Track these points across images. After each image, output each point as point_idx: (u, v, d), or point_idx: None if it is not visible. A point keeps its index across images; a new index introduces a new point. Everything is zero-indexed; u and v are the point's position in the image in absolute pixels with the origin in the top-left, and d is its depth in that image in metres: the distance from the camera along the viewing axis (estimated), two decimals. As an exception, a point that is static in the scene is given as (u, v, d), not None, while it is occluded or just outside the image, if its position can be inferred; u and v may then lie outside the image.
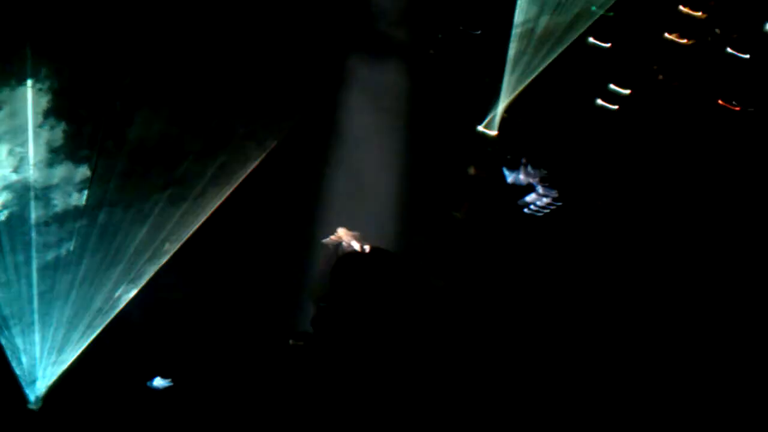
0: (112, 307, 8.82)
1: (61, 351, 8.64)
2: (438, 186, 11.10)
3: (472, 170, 11.17)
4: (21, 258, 8.75)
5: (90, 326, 8.70)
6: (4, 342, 8.50)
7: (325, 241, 9.84)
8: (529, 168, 10.05)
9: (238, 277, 9.73)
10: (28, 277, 8.70)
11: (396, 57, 11.43)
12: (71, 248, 8.81)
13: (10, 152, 8.82)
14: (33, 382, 8.52)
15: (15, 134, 8.87)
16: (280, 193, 10.29)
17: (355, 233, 9.88)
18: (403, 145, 11.34)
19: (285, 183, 10.36)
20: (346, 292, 8.42)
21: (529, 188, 9.87)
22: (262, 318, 9.43)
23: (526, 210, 9.53)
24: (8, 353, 8.49)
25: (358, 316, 7.70)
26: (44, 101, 8.98)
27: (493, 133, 11.08)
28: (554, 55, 10.50)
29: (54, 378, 8.58)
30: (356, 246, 9.62)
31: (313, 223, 10.26)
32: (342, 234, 9.86)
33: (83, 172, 8.99)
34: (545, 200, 9.53)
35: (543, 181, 9.87)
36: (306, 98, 10.39)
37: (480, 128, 11.28)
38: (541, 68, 10.58)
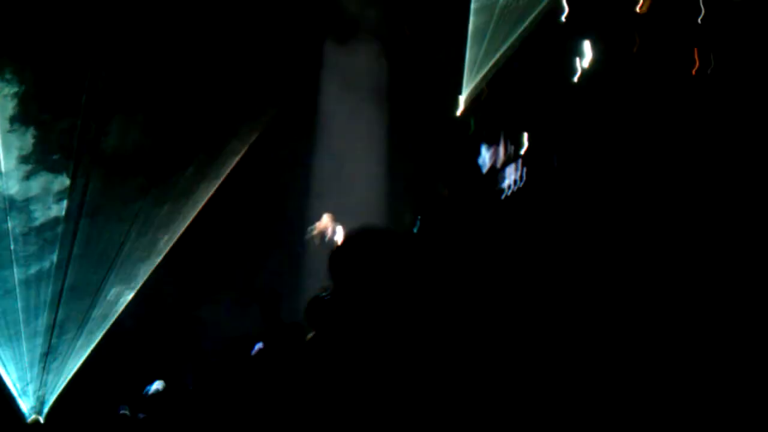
0: (107, 314, 8.70)
1: (53, 360, 8.53)
2: (422, 164, 11.07)
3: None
4: (1, 270, 8.56)
5: (84, 334, 8.59)
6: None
7: (311, 235, 9.74)
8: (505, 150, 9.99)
9: (232, 273, 9.66)
10: (10, 289, 8.51)
11: (370, 39, 11.30)
12: (54, 258, 8.61)
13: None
14: (25, 393, 8.42)
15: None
16: (266, 186, 10.19)
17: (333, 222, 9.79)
18: (384, 127, 11.30)
19: (270, 175, 10.26)
20: (350, 280, 8.36)
21: (504, 171, 9.86)
22: (258, 313, 9.36)
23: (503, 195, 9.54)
24: (-1, 367, 8.38)
25: (368, 304, 7.67)
26: (9, 106, 8.66)
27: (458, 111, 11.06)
28: (520, 29, 10.46)
29: (47, 388, 8.48)
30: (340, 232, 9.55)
31: (303, 213, 10.17)
32: (327, 222, 9.76)
33: (59, 179, 8.75)
34: (516, 178, 9.53)
35: (514, 160, 9.87)
36: (283, 88, 10.22)
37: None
38: (507, 44, 10.55)
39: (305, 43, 10.58)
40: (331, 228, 9.59)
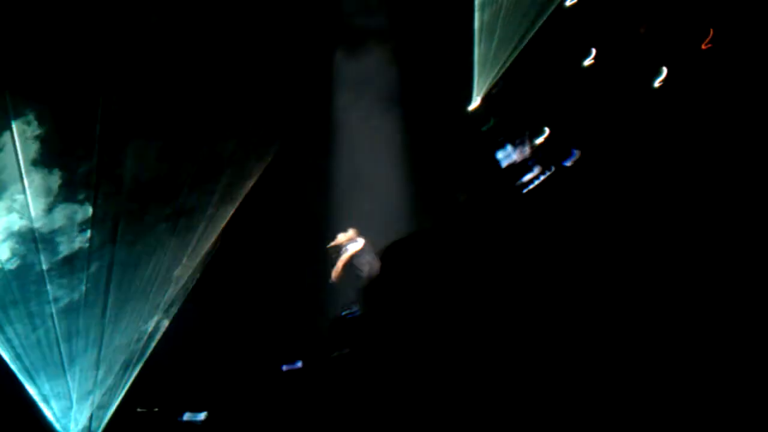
0: (145, 342, 8.82)
1: (96, 392, 8.66)
2: (440, 169, 11.03)
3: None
4: (35, 306, 8.69)
5: (124, 364, 8.72)
6: (35, 391, 8.50)
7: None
8: (525, 145, 9.83)
9: (261, 289, 9.71)
10: (47, 323, 8.66)
11: (379, 46, 11.31)
12: (85, 290, 8.74)
13: (8, 204, 8.70)
14: (67, 428, 8.55)
15: (8, 185, 8.74)
16: (287, 201, 10.23)
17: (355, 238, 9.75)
18: (399, 131, 11.30)
19: (290, 190, 10.30)
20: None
21: (524, 167, 9.71)
22: (289, 326, 9.43)
23: (524, 190, 9.40)
24: (40, 402, 8.50)
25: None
26: (32, 149, 8.83)
27: (472, 107, 11.01)
28: (528, 23, 10.38)
29: (91, 419, 8.61)
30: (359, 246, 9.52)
31: (326, 226, 10.18)
32: (350, 235, 9.72)
33: (84, 213, 8.88)
34: (538, 174, 9.34)
35: (534, 155, 9.70)
36: (297, 103, 10.25)
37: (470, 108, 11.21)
38: (516, 39, 10.47)
39: (315, 57, 10.61)
40: (351, 242, 9.57)
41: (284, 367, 8.64)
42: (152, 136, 8.96)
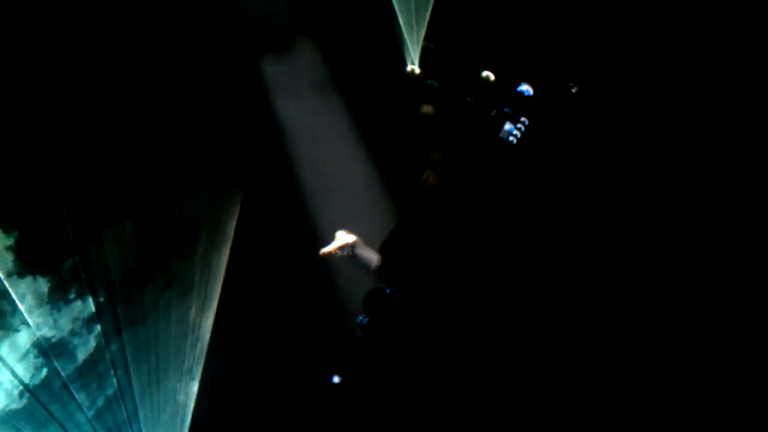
0: (185, 413, 8.85)
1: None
2: (406, 141, 11.05)
3: (425, 108, 11.10)
4: (67, 413, 8.64)
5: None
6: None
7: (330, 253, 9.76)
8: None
9: (278, 317, 9.78)
10: (82, 426, 8.64)
11: (305, 45, 11.17)
12: (116, 384, 8.71)
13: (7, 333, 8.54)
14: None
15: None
16: (272, 226, 10.20)
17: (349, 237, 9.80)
18: (351, 122, 11.25)
19: (271, 214, 10.26)
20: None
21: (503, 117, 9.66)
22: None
23: (511, 139, 9.33)
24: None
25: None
26: (8, 261, 8.62)
27: (418, 71, 11.00)
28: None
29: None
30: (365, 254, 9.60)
31: (314, 238, 10.19)
32: (342, 239, 9.79)
33: (85, 309, 8.76)
34: (519, 125, 9.31)
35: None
36: (243, 127, 10.13)
37: (408, 68, 11.19)
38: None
39: (244, 75, 10.45)
40: (347, 241, 9.63)
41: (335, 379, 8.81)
42: (120, 216, 8.81)
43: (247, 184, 10.00)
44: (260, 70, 10.91)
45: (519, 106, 9.31)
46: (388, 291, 8.76)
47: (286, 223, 10.40)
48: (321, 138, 10.90)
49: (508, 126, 9.17)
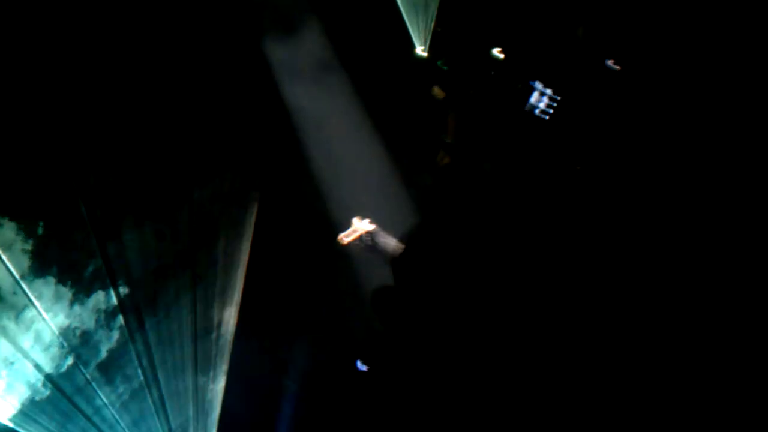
0: (213, 408, 8.95)
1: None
2: (418, 123, 11.03)
3: (436, 91, 11.07)
4: (92, 407, 8.73)
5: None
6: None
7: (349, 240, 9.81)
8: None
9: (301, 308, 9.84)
10: (108, 418, 8.73)
11: (311, 27, 11.03)
12: (141, 377, 8.78)
13: (29, 329, 8.56)
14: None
15: (21, 311, 8.58)
16: (288, 220, 10.20)
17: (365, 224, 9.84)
18: (360, 104, 11.18)
19: (287, 204, 10.25)
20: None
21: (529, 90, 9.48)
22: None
23: (536, 112, 9.13)
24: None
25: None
26: (31, 257, 8.61)
27: (425, 54, 10.93)
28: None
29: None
30: (384, 241, 9.65)
31: (330, 224, 10.20)
32: (359, 226, 9.83)
33: (108, 303, 8.79)
34: (546, 100, 9.15)
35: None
36: (255, 117, 10.05)
37: (418, 52, 11.11)
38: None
39: (255, 66, 10.34)
40: (366, 230, 9.68)
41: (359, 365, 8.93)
42: (140, 212, 8.78)
43: (263, 174, 9.97)
44: (266, 55, 10.79)
45: (545, 81, 9.25)
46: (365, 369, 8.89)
47: (302, 212, 10.40)
48: (331, 123, 10.85)
49: (534, 98, 9.07)
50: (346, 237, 9.68)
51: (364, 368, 8.72)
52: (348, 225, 9.90)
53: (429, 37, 10.83)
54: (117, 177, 8.57)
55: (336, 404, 8.95)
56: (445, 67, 10.76)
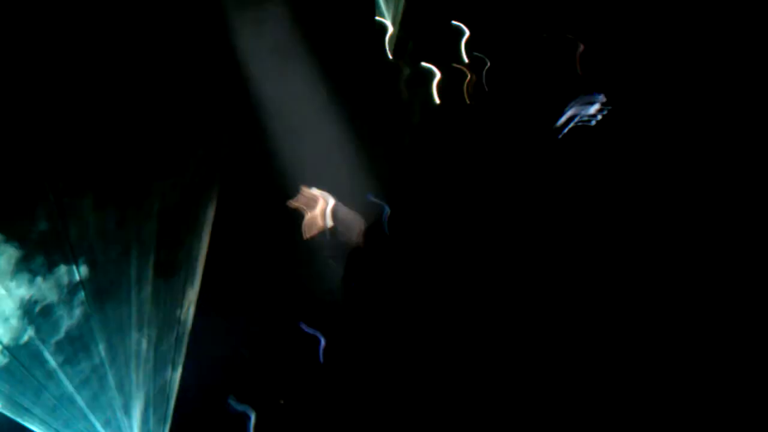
0: (172, 384, 8.98)
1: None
2: (379, 109, 11.08)
3: (403, 69, 11.10)
4: (53, 382, 8.70)
5: (158, 416, 8.92)
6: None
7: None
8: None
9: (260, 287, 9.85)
10: (68, 398, 8.72)
11: (272, 6, 10.98)
12: (102, 355, 8.78)
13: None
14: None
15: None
16: (250, 201, 10.19)
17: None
18: (322, 84, 11.17)
19: (249, 188, 10.24)
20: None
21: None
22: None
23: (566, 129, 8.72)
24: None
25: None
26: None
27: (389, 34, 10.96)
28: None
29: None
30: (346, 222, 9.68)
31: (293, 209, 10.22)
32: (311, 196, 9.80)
33: (69, 282, 8.76)
34: (592, 108, 8.58)
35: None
36: (220, 100, 10.02)
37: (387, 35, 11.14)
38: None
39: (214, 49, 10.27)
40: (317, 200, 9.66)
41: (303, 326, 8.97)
42: (102, 196, 8.76)
43: (226, 156, 9.96)
44: (229, 39, 10.72)
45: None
46: (353, 285, 8.92)
47: (265, 196, 10.41)
48: (295, 106, 10.85)
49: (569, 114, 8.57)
50: (308, 230, 9.71)
51: (311, 331, 8.79)
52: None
53: (399, 17, 10.86)
54: (82, 159, 8.56)
55: (290, 372, 9.03)
56: (410, 45, 10.83)
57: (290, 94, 10.99)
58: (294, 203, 9.86)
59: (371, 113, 10.97)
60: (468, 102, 10.29)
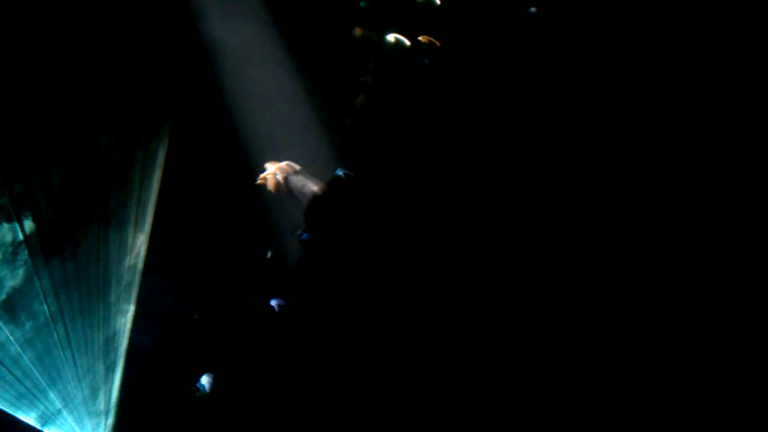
0: (121, 336, 8.93)
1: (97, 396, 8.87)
2: (338, 62, 10.92)
3: (357, 31, 10.95)
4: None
5: (105, 370, 8.87)
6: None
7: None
8: None
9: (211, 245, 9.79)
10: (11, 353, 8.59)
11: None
12: (47, 311, 8.63)
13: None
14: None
15: None
16: (201, 154, 10.02)
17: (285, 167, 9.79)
18: (290, 49, 10.95)
19: (202, 140, 10.06)
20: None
21: None
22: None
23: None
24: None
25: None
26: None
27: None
28: None
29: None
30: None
31: (246, 162, 10.07)
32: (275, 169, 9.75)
33: (12, 238, 8.53)
34: None
35: None
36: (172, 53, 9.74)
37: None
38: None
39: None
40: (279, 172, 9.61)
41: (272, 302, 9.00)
42: (48, 153, 8.47)
43: (178, 109, 9.73)
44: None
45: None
46: (304, 235, 8.84)
47: (217, 148, 10.25)
48: (252, 61, 10.62)
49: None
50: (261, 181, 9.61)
51: (275, 305, 8.81)
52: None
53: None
54: (23, 112, 8.24)
55: (244, 338, 9.05)
56: (363, 4, 10.66)
57: (244, 40, 10.73)
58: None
59: (324, 69, 10.82)
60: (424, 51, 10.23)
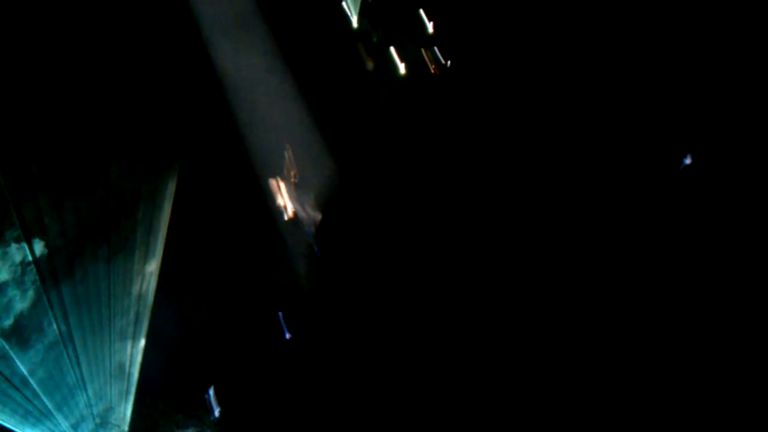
0: (132, 364, 8.99)
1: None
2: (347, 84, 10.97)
3: (370, 64, 11.02)
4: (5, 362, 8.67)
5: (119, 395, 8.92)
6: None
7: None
8: None
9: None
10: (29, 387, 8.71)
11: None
12: (56, 332, 8.76)
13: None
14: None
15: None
16: (209, 186, 10.12)
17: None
18: (289, 59, 11.04)
19: (208, 173, 10.17)
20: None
21: None
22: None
23: None
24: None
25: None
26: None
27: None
28: None
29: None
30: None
31: (256, 190, 10.17)
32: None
33: (22, 260, 8.71)
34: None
35: None
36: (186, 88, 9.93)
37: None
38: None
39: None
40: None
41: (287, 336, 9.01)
42: (60, 183, 8.69)
43: (186, 138, 9.89)
44: (192, 10, 10.55)
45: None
46: (318, 254, 8.90)
47: (224, 178, 10.34)
48: (261, 90, 10.75)
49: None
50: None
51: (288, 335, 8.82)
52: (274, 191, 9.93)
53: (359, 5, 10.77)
54: (35, 142, 8.49)
55: (257, 370, 9.03)
56: (375, 38, 10.73)
57: (251, 68, 10.89)
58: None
59: (333, 99, 10.88)
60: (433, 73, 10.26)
